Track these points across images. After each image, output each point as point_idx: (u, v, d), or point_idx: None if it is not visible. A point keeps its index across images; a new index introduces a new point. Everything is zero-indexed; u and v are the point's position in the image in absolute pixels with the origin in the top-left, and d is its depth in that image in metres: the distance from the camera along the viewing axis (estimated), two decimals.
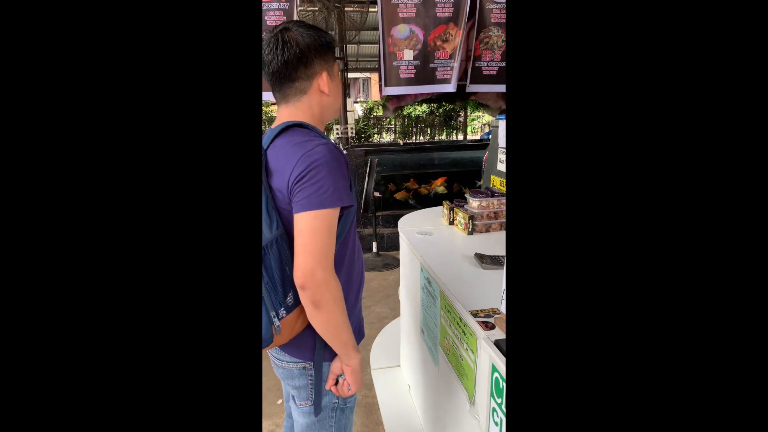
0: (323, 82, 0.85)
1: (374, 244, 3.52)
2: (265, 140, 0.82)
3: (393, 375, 1.93)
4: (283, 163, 0.77)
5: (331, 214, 0.75)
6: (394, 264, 3.36)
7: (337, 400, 0.91)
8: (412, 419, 1.63)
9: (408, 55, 3.22)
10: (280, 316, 0.77)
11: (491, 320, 0.94)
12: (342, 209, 0.79)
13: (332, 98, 0.89)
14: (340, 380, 0.87)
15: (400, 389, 1.82)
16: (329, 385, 0.88)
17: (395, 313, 2.53)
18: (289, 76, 0.82)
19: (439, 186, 4.08)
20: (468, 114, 7.19)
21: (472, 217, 1.61)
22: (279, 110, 0.87)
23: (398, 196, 4.04)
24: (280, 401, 1.83)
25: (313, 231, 0.73)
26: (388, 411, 1.70)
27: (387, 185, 3.98)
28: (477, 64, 3.39)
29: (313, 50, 0.82)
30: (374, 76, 11.65)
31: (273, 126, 0.85)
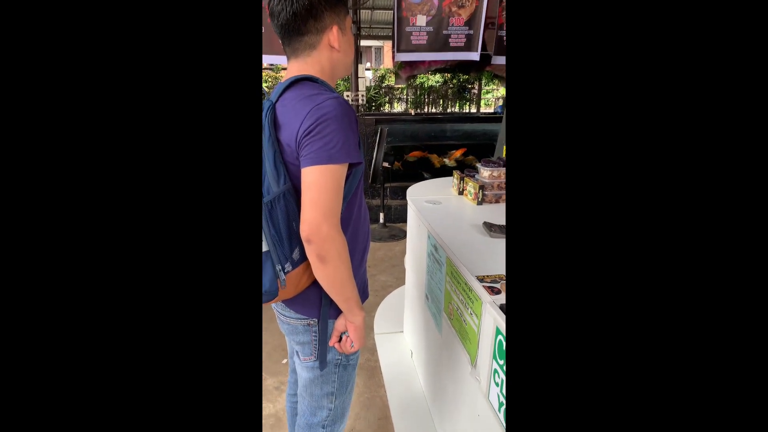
0: (334, 37, 0.81)
1: (381, 215, 3.52)
2: (274, 94, 0.80)
3: (396, 340, 1.96)
4: (291, 116, 0.75)
5: (339, 170, 0.74)
6: (401, 235, 3.37)
7: (340, 357, 0.93)
8: (412, 382, 1.67)
9: (421, 20, 3.10)
10: (285, 270, 0.78)
11: (497, 285, 0.94)
12: (350, 167, 0.78)
13: (343, 54, 0.85)
14: (344, 337, 0.88)
15: (402, 354, 1.86)
16: (333, 341, 0.89)
17: (400, 282, 2.56)
18: (298, 30, 0.79)
19: (458, 157, 4.00)
20: (482, 86, 7.00)
21: (482, 187, 1.59)
22: (288, 65, 0.85)
23: (412, 155, 3.97)
24: (285, 361, 1.89)
25: (320, 185, 0.73)
26: (390, 374, 1.74)
27: (395, 158, 3.94)
28: (500, 33, 3.25)
29: (323, 2, 0.78)
30: (387, 45, 11.34)
31: (283, 80, 0.83)
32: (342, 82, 5.26)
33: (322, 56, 0.82)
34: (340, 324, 0.88)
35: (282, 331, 0.97)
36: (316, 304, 0.87)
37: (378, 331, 2.05)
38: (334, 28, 0.81)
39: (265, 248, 0.76)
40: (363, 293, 0.93)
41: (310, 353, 0.92)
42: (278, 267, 0.77)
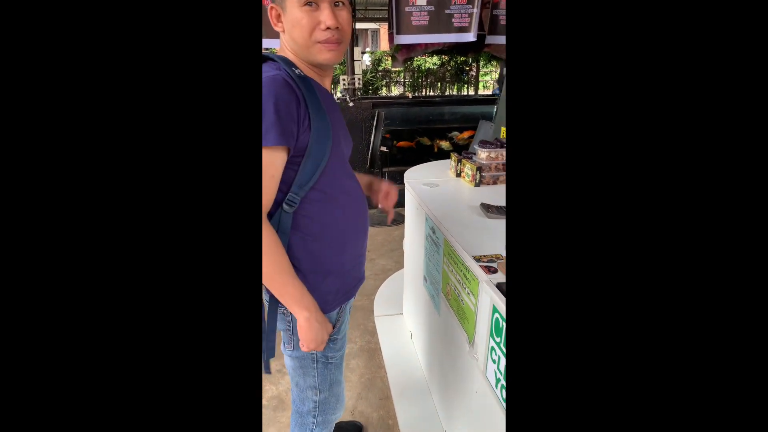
0: (274, 23, 0.81)
1: None
2: None
3: (395, 322, 1.99)
4: None
5: (266, 154, 0.70)
6: (400, 220, 3.37)
7: (314, 353, 0.91)
8: (412, 362, 1.70)
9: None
10: None
11: (494, 265, 0.95)
12: (299, 153, 0.75)
13: (287, 34, 0.81)
14: None
15: (402, 335, 1.89)
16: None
17: (399, 265, 2.58)
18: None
19: (466, 139, 3.97)
20: (480, 68, 6.91)
21: (479, 169, 1.58)
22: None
23: (399, 145, 3.95)
24: None
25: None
26: (390, 355, 1.77)
27: (393, 141, 3.91)
28: (495, 12, 3.16)
29: None
30: (383, 27, 11.12)
31: None
32: (338, 66, 5.18)
33: (283, 38, 0.83)
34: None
35: None
36: None
37: (378, 314, 2.08)
38: (272, 13, 0.81)
39: None
40: (344, 293, 0.90)
41: (288, 341, 0.90)
42: None
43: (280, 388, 1.66)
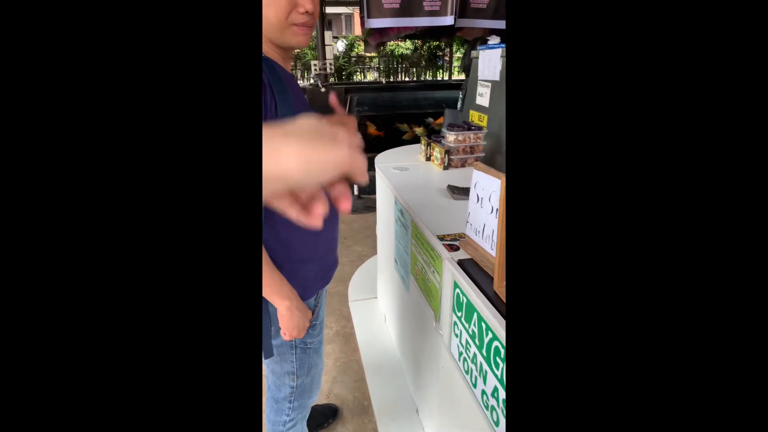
0: None
1: (355, 187, 3.51)
2: None
3: (370, 306, 2.01)
4: None
5: None
6: (375, 207, 3.38)
7: (293, 339, 0.91)
8: (386, 344, 1.73)
9: None
10: None
11: (456, 243, 0.97)
12: None
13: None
14: None
15: (376, 319, 1.91)
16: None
17: (374, 251, 2.59)
18: None
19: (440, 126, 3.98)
20: (453, 52, 6.90)
21: (448, 152, 1.60)
22: None
23: (407, 136, 3.92)
24: None
25: None
26: (364, 338, 1.80)
27: (366, 125, 3.87)
28: None
29: None
30: (357, 11, 10.93)
31: None
32: (309, 51, 5.07)
33: None
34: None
35: None
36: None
37: (353, 299, 2.09)
38: None
39: None
40: (321, 279, 0.90)
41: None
42: None
43: None
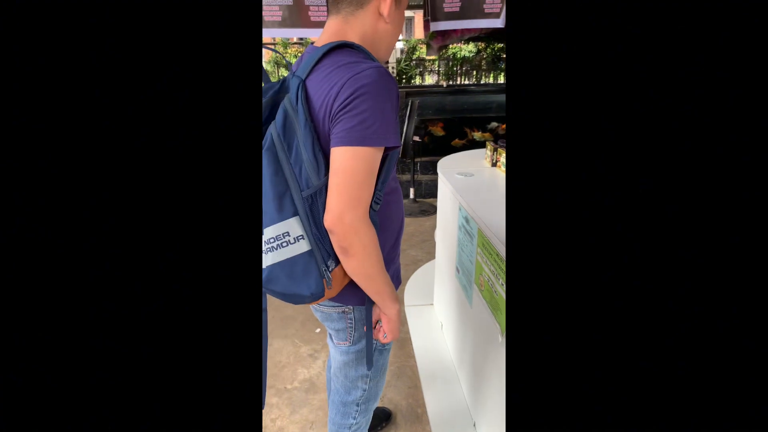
0: (386, 4, 0.71)
1: (411, 191, 3.50)
2: (303, 68, 0.71)
3: (426, 312, 1.99)
4: (325, 88, 0.66)
5: (373, 154, 0.65)
6: (431, 211, 3.34)
7: (375, 342, 0.90)
8: (442, 353, 1.70)
9: None
10: (330, 269, 0.71)
11: None
12: (386, 149, 0.69)
13: (391, 27, 0.75)
14: (378, 326, 0.86)
15: (432, 326, 1.88)
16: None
17: (430, 256, 2.56)
18: None
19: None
20: None
21: None
22: (327, 23, 0.75)
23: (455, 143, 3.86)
24: (318, 330, 1.96)
25: (349, 170, 0.64)
26: (420, 345, 1.77)
27: (425, 130, 3.84)
28: None
29: None
30: (418, 15, 10.95)
31: (317, 43, 0.74)
32: None
33: (367, 20, 0.72)
34: (375, 313, 0.84)
35: (315, 316, 0.94)
36: (351, 291, 0.80)
37: (408, 304, 2.08)
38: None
39: (307, 248, 0.69)
40: (396, 280, 0.88)
41: (345, 339, 0.89)
42: (323, 266, 0.70)
43: (312, 372, 1.71)
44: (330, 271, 0.71)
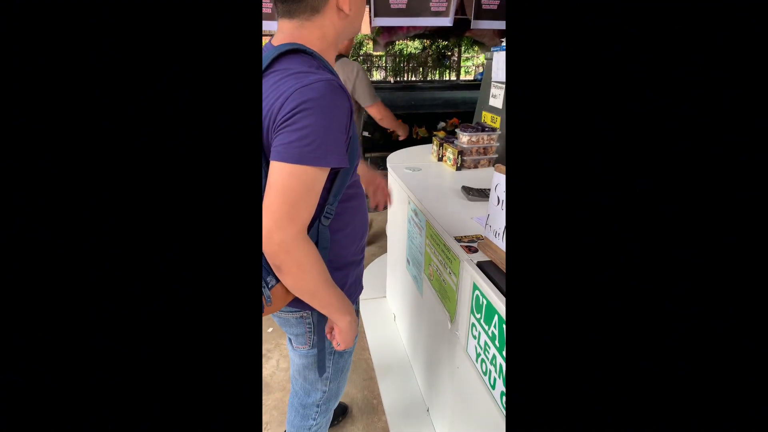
0: (339, 1, 0.66)
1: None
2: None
3: (379, 305, 2.01)
4: (272, 97, 0.61)
5: (311, 173, 0.60)
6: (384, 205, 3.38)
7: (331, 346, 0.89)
8: (396, 343, 1.73)
9: None
10: (269, 285, 0.69)
11: (474, 245, 0.97)
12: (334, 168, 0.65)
13: (353, 17, 0.70)
14: (332, 334, 0.84)
15: (385, 318, 1.92)
16: (327, 331, 0.84)
17: (383, 250, 2.60)
18: None
19: (451, 127, 3.94)
20: (462, 53, 6.89)
21: (461, 152, 1.60)
22: (279, 24, 0.68)
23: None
24: (270, 329, 1.92)
25: (281, 188, 0.60)
26: (374, 337, 1.80)
27: (375, 126, 3.85)
28: None
29: None
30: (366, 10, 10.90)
31: (273, 41, 0.69)
32: None
33: (326, 22, 0.67)
34: (329, 323, 0.82)
35: (274, 320, 0.90)
36: None
37: (362, 297, 2.09)
38: None
39: None
40: (357, 285, 0.87)
41: (304, 343, 0.88)
42: (261, 283, 0.66)
43: (265, 372, 1.68)
44: (269, 288, 0.69)
